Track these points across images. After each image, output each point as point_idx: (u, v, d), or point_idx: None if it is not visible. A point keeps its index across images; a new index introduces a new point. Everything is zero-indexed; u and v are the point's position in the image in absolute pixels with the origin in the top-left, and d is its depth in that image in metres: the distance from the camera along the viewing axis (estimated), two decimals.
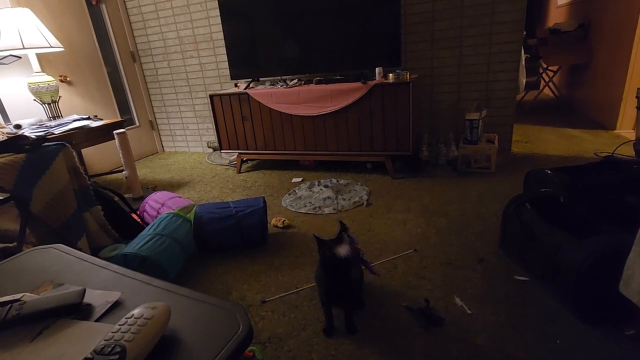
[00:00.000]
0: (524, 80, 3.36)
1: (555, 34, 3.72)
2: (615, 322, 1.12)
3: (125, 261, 1.45)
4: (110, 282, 0.60)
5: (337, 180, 2.50)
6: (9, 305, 0.50)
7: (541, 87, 4.38)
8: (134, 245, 1.48)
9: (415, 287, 1.38)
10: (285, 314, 1.30)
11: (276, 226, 1.94)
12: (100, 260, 0.66)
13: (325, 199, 2.20)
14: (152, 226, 1.62)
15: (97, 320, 0.52)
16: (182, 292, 0.56)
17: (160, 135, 3.82)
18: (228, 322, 0.51)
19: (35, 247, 0.70)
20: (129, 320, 0.46)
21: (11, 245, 1.55)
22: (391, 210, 2.02)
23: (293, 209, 2.13)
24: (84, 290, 0.55)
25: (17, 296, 0.54)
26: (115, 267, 0.64)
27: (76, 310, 0.53)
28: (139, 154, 3.61)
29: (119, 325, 0.46)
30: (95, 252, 1.64)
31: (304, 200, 2.22)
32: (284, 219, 1.96)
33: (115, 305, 0.54)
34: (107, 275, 0.62)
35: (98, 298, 0.56)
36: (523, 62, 3.05)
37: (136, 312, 0.48)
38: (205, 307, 0.53)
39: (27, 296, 0.54)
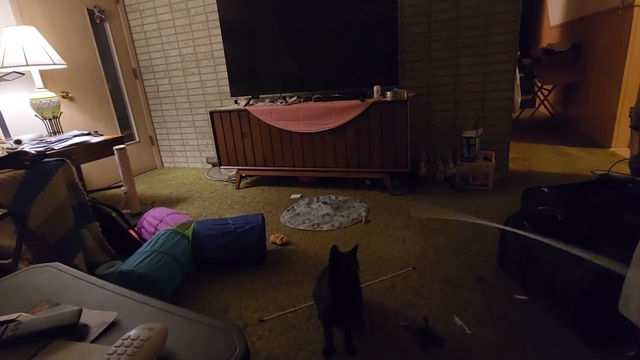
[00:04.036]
0: (520, 99, 3.42)
1: (549, 54, 3.81)
2: (616, 343, 1.10)
3: (122, 278, 1.44)
4: (106, 302, 0.59)
5: (336, 197, 2.50)
6: (5, 326, 0.50)
7: (537, 106, 4.45)
8: (131, 263, 1.47)
9: (414, 306, 1.36)
10: (283, 334, 1.28)
11: (274, 243, 1.93)
12: (97, 279, 0.66)
13: (323, 215, 2.20)
14: (149, 243, 1.61)
15: (93, 342, 0.52)
16: (178, 312, 0.56)
17: (159, 151, 3.84)
18: (225, 343, 0.51)
19: (32, 266, 0.70)
20: (125, 341, 0.46)
21: (6, 261, 1.54)
22: (390, 227, 2.02)
23: (291, 226, 2.13)
24: (80, 310, 0.54)
25: (13, 316, 0.53)
26: (112, 286, 0.63)
27: (72, 331, 0.52)
28: (138, 169, 3.62)
29: (115, 347, 0.46)
30: (91, 268, 1.62)
31: (303, 217, 2.22)
32: (282, 235, 1.95)
33: (112, 326, 0.54)
34: (103, 294, 0.61)
35: (94, 318, 0.55)
36: (518, 82, 3.11)
37: (132, 333, 0.47)
38: (202, 327, 0.53)
39: (23, 316, 0.54)
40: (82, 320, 0.54)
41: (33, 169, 1.49)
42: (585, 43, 3.61)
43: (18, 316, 0.54)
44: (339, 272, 1.12)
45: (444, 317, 1.29)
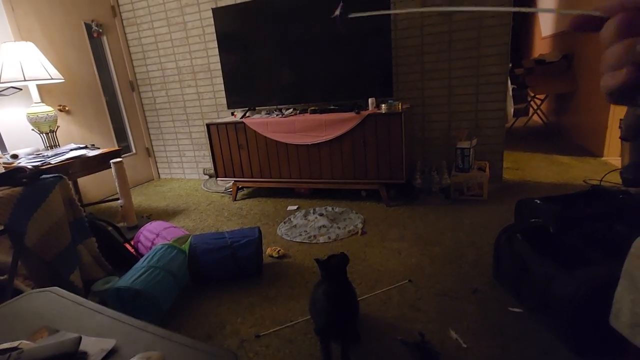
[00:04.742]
0: (512, 110, 3.47)
1: (541, 64, 3.88)
2: (610, 355, 1.12)
3: (119, 295, 1.44)
4: (105, 328, 0.60)
5: (332, 208, 2.52)
6: (8, 355, 0.50)
7: (530, 114, 4.52)
8: (128, 278, 1.47)
9: (410, 320, 1.37)
10: (279, 349, 1.29)
11: (271, 256, 1.94)
12: (95, 305, 0.67)
13: (320, 227, 2.21)
14: (146, 258, 1.61)
15: None
16: (176, 338, 0.57)
17: (156, 162, 3.85)
18: None
19: (31, 291, 0.71)
20: None
21: (2, 278, 1.54)
22: (386, 239, 2.03)
23: (288, 238, 2.14)
24: (80, 338, 0.55)
25: (15, 344, 0.54)
26: (110, 311, 0.64)
27: (72, 359, 0.53)
28: (135, 181, 3.62)
29: None
30: (88, 285, 1.62)
31: (299, 229, 2.23)
32: (279, 248, 1.96)
33: (111, 354, 0.55)
34: (102, 320, 0.62)
35: (93, 345, 0.56)
36: (510, 92, 3.17)
37: None
38: (199, 355, 0.54)
39: (24, 344, 0.55)
40: (81, 347, 0.55)
41: (30, 186, 1.50)
42: (576, 53, 3.68)
43: (19, 344, 0.54)
44: (331, 274, 1.15)
45: (439, 331, 1.30)
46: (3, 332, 0.61)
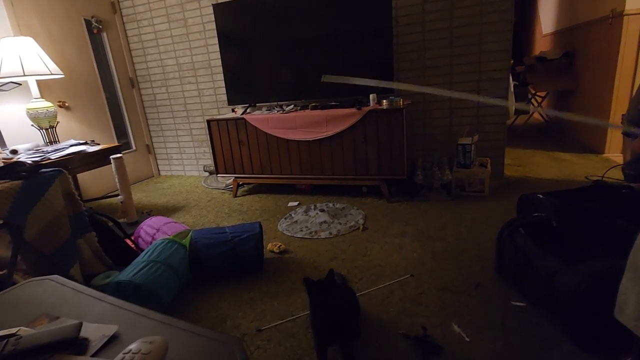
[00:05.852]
0: (514, 107, 3.46)
1: (542, 61, 3.87)
2: (613, 349, 1.11)
3: (119, 289, 1.43)
4: (106, 315, 0.60)
5: (333, 204, 2.51)
6: (6, 341, 0.50)
7: (531, 112, 4.51)
8: (128, 273, 1.47)
9: (412, 314, 1.37)
10: (281, 343, 1.28)
11: (272, 251, 1.93)
12: (96, 292, 0.66)
13: (321, 223, 2.21)
14: (146, 252, 1.60)
15: (93, 355, 0.52)
16: (179, 324, 0.56)
17: (156, 159, 3.84)
18: (225, 355, 0.51)
19: (31, 279, 0.70)
20: (126, 355, 0.46)
21: (1, 272, 1.53)
22: (387, 235, 2.02)
23: (289, 234, 2.13)
24: (81, 324, 0.54)
25: (13, 330, 0.53)
26: (111, 299, 0.63)
27: (72, 345, 0.52)
28: (135, 177, 3.61)
29: None
30: (88, 279, 1.61)
31: (300, 225, 2.22)
32: (280, 244, 1.95)
33: (112, 339, 0.54)
34: (103, 307, 0.62)
35: (94, 332, 0.55)
36: (512, 89, 3.16)
37: (133, 347, 0.48)
38: (202, 340, 0.53)
39: (23, 330, 0.54)
40: (83, 333, 0.55)
41: (30, 179, 1.49)
42: (577, 51, 3.67)
43: (18, 330, 0.54)
44: (320, 302, 1.10)
45: (442, 325, 1.29)
46: (2, 319, 0.60)
